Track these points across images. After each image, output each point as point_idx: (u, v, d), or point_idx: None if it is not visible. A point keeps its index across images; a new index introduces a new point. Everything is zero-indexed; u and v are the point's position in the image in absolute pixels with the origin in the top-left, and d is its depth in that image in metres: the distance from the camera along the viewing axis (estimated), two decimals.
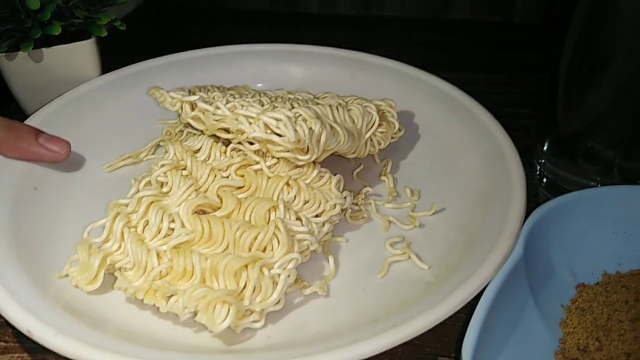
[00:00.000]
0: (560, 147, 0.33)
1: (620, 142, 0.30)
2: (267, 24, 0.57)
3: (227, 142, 0.31)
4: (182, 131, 0.35)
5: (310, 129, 0.27)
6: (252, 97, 0.34)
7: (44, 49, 0.36)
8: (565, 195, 0.28)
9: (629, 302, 0.25)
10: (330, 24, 0.57)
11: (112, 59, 0.40)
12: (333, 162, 0.33)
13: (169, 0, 0.61)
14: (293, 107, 0.29)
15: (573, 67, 0.30)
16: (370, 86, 0.39)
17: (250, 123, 0.28)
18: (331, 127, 0.29)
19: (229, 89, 0.36)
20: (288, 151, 0.28)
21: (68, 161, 0.32)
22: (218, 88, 0.36)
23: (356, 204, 0.32)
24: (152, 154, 0.35)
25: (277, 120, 0.27)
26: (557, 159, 0.33)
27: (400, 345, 0.22)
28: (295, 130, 0.27)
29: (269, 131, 0.28)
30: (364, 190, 0.33)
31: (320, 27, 0.57)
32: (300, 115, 0.28)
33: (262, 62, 0.43)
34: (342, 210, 0.30)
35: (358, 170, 0.34)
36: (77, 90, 0.37)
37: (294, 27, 0.57)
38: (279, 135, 0.27)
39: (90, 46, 0.38)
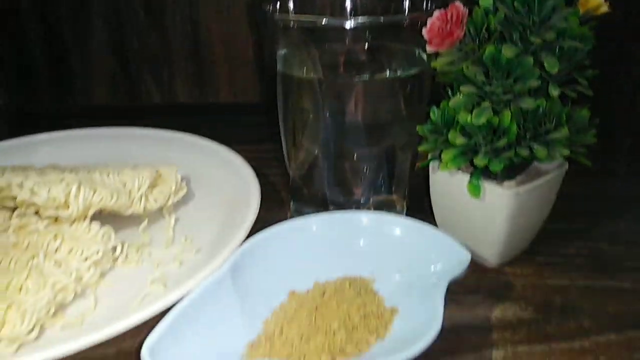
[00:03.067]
0: (294, 190, 0.41)
1: (326, 185, 0.38)
2: (110, 115, 0.65)
3: (14, 209, 0.36)
4: None
5: (67, 187, 0.33)
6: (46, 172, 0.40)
7: None
8: (286, 222, 0.35)
9: (317, 299, 0.31)
10: (173, 112, 0.66)
11: None
12: (123, 218, 0.39)
13: (21, 105, 0.67)
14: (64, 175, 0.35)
15: (287, 134, 0.38)
16: (168, 153, 0.46)
17: (20, 189, 0.34)
18: (93, 187, 0.35)
19: (31, 168, 0.42)
20: (54, 209, 0.34)
21: None
22: (17, 168, 0.42)
23: (132, 253, 0.37)
24: None
25: (35, 183, 0.33)
26: (294, 198, 0.41)
27: None
28: (49, 190, 0.33)
29: (34, 195, 0.33)
30: (142, 240, 0.38)
31: (163, 115, 0.65)
32: (64, 179, 0.34)
33: (92, 143, 0.50)
34: (114, 257, 0.36)
35: (143, 225, 0.39)
36: None
37: (138, 118, 0.64)
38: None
39: None
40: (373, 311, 0.30)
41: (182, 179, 0.41)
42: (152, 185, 0.39)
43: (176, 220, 0.41)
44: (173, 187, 0.40)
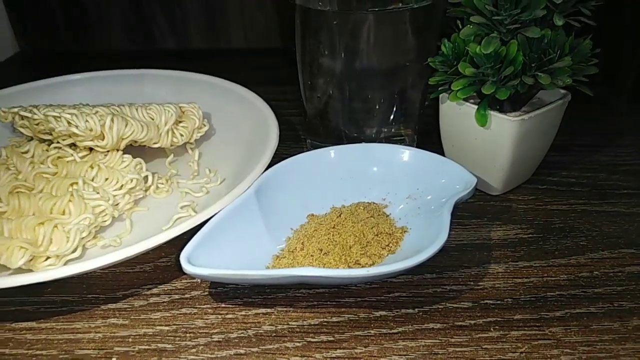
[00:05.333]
0: (310, 127, 0.43)
1: (341, 120, 0.40)
2: (130, 59, 0.66)
3: (50, 143, 0.39)
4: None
5: (102, 119, 0.36)
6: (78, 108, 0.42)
7: None
8: (305, 153, 0.37)
9: (334, 219, 0.34)
10: (186, 57, 0.67)
11: None
12: (150, 154, 0.42)
13: (40, 50, 0.69)
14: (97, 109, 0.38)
15: (305, 77, 0.40)
16: (189, 94, 0.48)
17: (57, 121, 0.36)
18: (125, 120, 0.37)
19: (64, 106, 0.44)
20: (90, 140, 0.36)
21: None
22: (51, 105, 0.44)
23: (162, 183, 0.40)
24: None
25: (72, 114, 0.35)
26: (310, 135, 0.43)
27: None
28: (87, 121, 0.35)
29: (71, 126, 0.36)
30: (169, 172, 0.41)
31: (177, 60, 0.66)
32: (98, 112, 0.37)
33: (108, 85, 0.51)
34: (146, 187, 0.38)
35: (169, 159, 0.42)
36: None
37: (155, 61, 0.66)
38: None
39: None
40: (385, 230, 0.33)
41: (203, 117, 0.43)
42: (177, 122, 0.42)
43: (200, 154, 0.43)
44: (197, 123, 0.42)
